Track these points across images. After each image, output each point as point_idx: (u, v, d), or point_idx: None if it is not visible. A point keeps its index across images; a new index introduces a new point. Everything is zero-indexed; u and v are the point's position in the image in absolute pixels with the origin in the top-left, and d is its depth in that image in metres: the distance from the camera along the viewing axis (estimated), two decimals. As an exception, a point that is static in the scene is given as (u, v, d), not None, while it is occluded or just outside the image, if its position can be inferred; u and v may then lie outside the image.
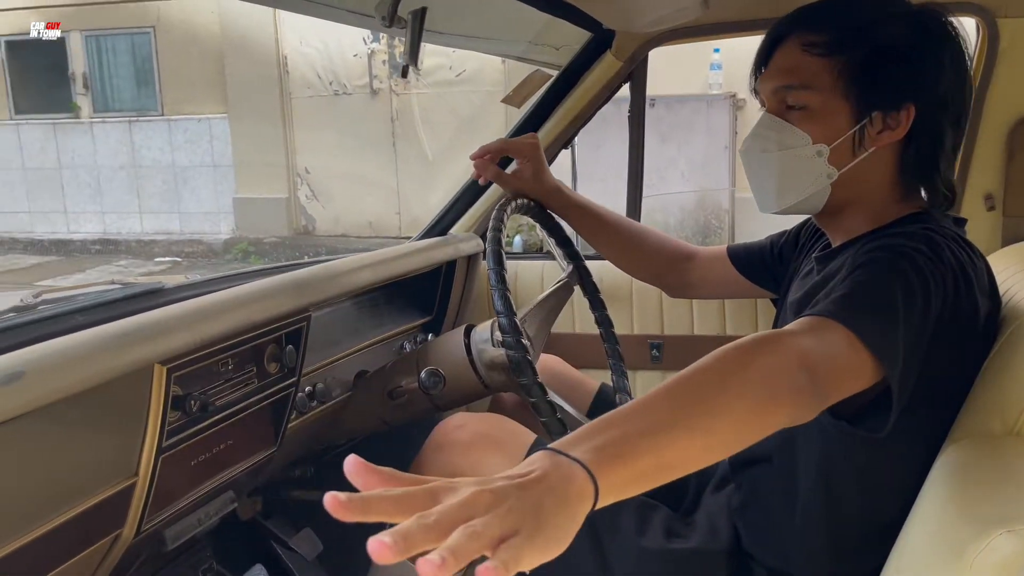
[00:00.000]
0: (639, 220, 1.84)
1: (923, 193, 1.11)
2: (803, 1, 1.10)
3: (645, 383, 1.97)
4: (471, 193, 1.90)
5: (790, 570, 1.15)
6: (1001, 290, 1.07)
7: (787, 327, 0.88)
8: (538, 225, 1.51)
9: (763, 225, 1.46)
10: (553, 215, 1.51)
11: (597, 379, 1.64)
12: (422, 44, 1.25)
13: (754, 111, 1.13)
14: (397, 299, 1.77)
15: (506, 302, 1.17)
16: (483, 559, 0.56)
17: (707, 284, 1.52)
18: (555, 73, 1.88)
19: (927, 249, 0.95)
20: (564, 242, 1.53)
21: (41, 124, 9.14)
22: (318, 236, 8.51)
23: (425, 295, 1.80)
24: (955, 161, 1.11)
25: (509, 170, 1.49)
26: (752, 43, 1.18)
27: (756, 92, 1.14)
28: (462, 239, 1.82)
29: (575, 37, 1.81)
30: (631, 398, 1.43)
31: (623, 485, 0.67)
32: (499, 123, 6.78)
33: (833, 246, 1.15)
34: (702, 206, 6.41)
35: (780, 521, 1.15)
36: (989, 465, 0.89)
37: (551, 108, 1.88)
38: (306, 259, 1.68)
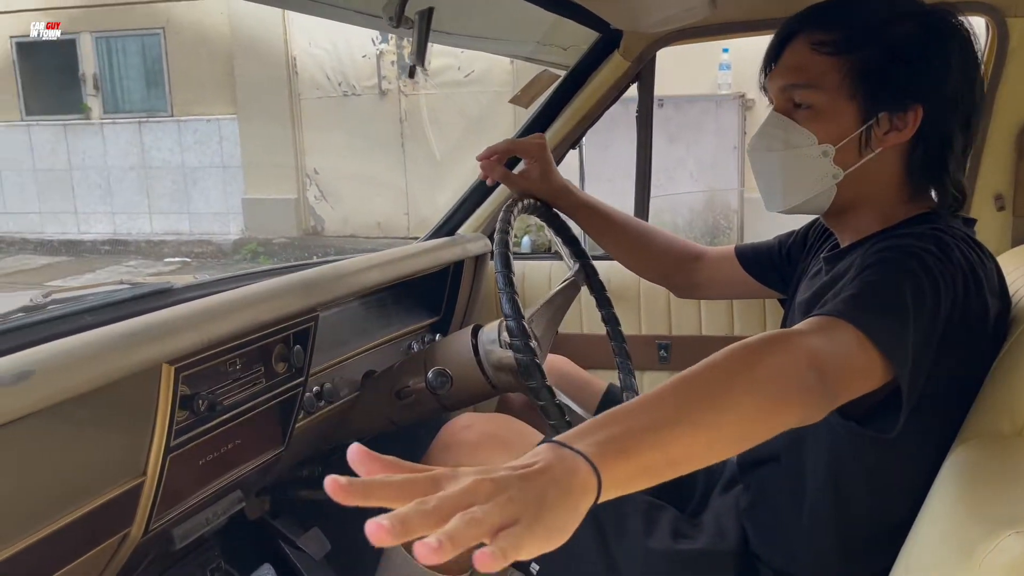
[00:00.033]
0: (647, 220, 1.84)
1: (933, 193, 1.10)
2: (812, 0, 1.10)
3: (653, 383, 1.96)
4: (479, 193, 1.90)
5: (798, 571, 1.14)
6: (1011, 290, 1.07)
7: (796, 326, 0.87)
8: (545, 225, 1.51)
9: (772, 226, 1.45)
10: (560, 215, 1.51)
11: (605, 379, 1.64)
12: (429, 45, 1.25)
13: (763, 111, 1.13)
14: (405, 299, 1.77)
15: (514, 305, 1.16)
16: (481, 547, 0.56)
17: (715, 284, 1.51)
18: (563, 73, 1.88)
19: (936, 249, 0.94)
20: (571, 241, 1.52)
21: (52, 125, 9.19)
22: (327, 237, 8.52)
23: (433, 295, 1.80)
24: (965, 163, 1.10)
25: (516, 171, 1.49)
26: (761, 43, 1.18)
27: (765, 90, 1.14)
28: (470, 239, 1.83)
29: (583, 37, 1.81)
30: (638, 397, 1.43)
31: (627, 479, 0.67)
32: (507, 123, 6.78)
33: (842, 246, 1.15)
34: (711, 206, 6.40)
35: (788, 522, 1.14)
36: (998, 465, 0.88)
37: (559, 108, 1.87)
38: (314, 259, 1.68)
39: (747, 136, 6.21)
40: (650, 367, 1.98)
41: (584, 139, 1.96)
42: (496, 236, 1.25)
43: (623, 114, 2.08)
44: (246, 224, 8.80)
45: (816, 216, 1.28)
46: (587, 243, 1.75)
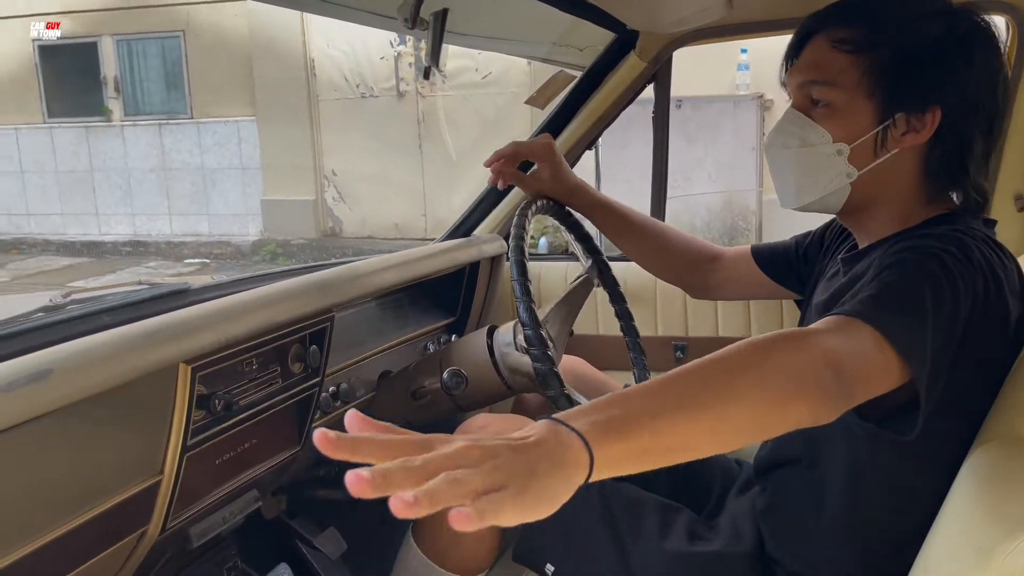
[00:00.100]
0: (663, 221, 1.83)
1: (954, 195, 1.09)
2: (828, 0, 1.09)
3: (669, 385, 1.95)
4: (495, 194, 1.91)
5: (815, 574, 1.14)
6: (1031, 291, 1.06)
7: (813, 325, 0.87)
8: (558, 222, 1.50)
9: (791, 227, 1.45)
10: (574, 214, 1.50)
11: (620, 381, 1.64)
12: (445, 46, 1.25)
13: (782, 112, 1.12)
14: (421, 300, 1.78)
15: (531, 314, 1.16)
16: None
17: (731, 284, 1.50)
18: (579, 74, 1.88)
19: (956, 250, 0.94)
20: (584, 238, 1.52)
21: (73, 127, 9.28)
22: (345, 238, 8.56)
23: (449, 296, 1.81)
24: (987, 166, 1.08)
25: (528, 173, 1.49)
26: (780, 43, 1.17)
27: (785, 86, 1.13)
28: (485, 240, 1.83)
29: (599, 38, 1.81)
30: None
31: (620, 460, 0.68)
32: (525, 124, 6.78)
33: (860, 247, 1.14)
34: (729, 207, 6.37)
35: (805, 524, 1.14)
36: (1018, 467, 0.87)
37: (575, 109, 1.87)
38: (331, 260, 1.69)
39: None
40: (666, 368, 1.94)
41: (600, 140, 1.96)
42: (511, 242, 1.24)
43: (640, 115, 2.07)
44: (265, 225, 8.85)
45: (833, 217, 1.27)
46: (603, 244, 1.75)
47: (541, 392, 1.17)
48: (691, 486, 1.39)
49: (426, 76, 1.34)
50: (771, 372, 0.77)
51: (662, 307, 1.96)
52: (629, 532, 1.21)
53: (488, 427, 1.34)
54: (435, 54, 1.26)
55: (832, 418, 0.81)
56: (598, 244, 1.55)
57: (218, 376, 1.12)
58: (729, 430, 0.75)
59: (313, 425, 1.32)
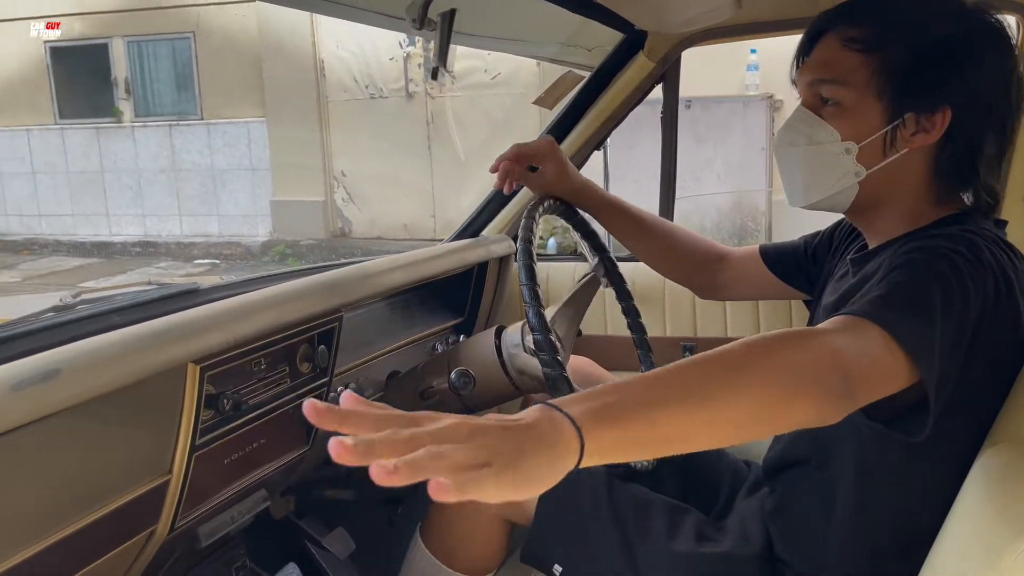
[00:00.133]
0: (672, 221, 1.83)
1: (965, 196, 1.08)
2: (836, 0, 1.09)
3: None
4: (503, 195, 1.90)
5: (824, 575, 1.13)
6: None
7: (821, 325, 0.87)
8: (564, 221, 1.49)
9: (801, 228, 1.44)
10: (581, 213, 1.49)
11: (628, 381, 1.63)
12: (453, 46, 1.25)
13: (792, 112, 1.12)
14: (429, 300, 1.78)
15: (541, 319, 1.16)
16: None
17: (739, 285, 1.49)
18: (587, 74, 1.88)
19: (966, 251, 0.93)
20: (590, 235, 1.51)
21: (84, 128, 9.32)
22: (354, 239, 8.57)
23: (457, 296, 1.81)
24: (999, 168, 1.07)
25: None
26: (790, 44, 1.17)
27: (795, 84, 1.13)
28: (494, 240, 1.83)
29: (607, 38, 1.81)
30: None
31: (612, 447, 0.68)
32: (534, 124, 6.78)
33: (870, 247, 1.13)
34: (738, 208, 6.35)
35: (814, 526, 1.13)
36: (1028, 470, 0.87)
37: (583, 109, 1.87)
38: (340, 261, 1.69)
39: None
40: (675, 369, 1.96)
41: (608, 140, 1.96)
42: (520, 246, 1.23)
43: (649, 115, 2.07)
44: (274, 226, 8.87)
45: (842, 216, 1.27)
46: (611, 244, 1.74)
47: (549, 392, 1.17)
48: (699, 487, 1.38)
49: (434, 76, 1.34)
50: (774, 369, 0.77)
51: (670, 307, 1.96)
52: (637, 533, 1.20)
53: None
54: (443, 54, 1.26)
55: (838, 418, 0.81)
56: (606, 244, 1.54)
57: (227, 376, 1.12)
58: (728, 424, 0.75)
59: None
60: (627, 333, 1.55)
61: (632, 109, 1.89)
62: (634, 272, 1.73)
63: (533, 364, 1.34)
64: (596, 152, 1.93)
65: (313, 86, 8.39)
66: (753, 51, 6.25)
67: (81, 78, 9.21)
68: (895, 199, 1.07)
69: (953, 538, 0.87)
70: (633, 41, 1.80)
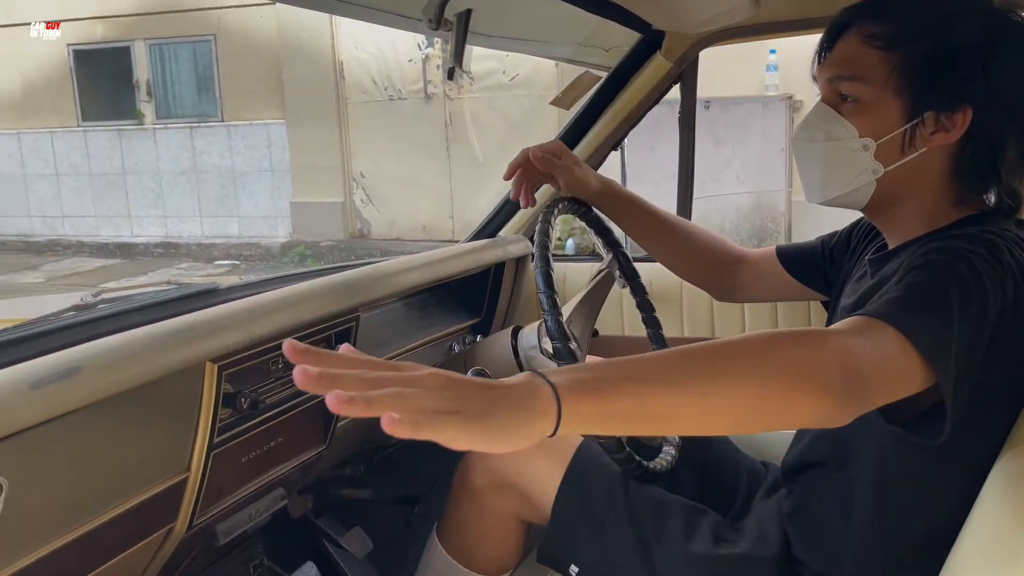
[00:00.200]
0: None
1: (987, 196, 1.07)
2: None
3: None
4: (520, 195, 1.90)
5: (841, 578, 1.13)
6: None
7: (834, 325, 0.86)
8: (578, 217, 1.48)
9: (820, 228, 1.43)
10: (594, 209, 1.48)
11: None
12: (469, 47, 1.26)
13: (811, 114, 1.12)
14: (446, 300, 1.78)
15: (560, 328, 1.15)
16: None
17: (757, 286, 1.48)
18: (604, 75, 1.87)
19: (986, 252, 0.92)
20: (604, 231, 1.49)
21: (107, 131, 9.41)
22: (373, 240, 8.60)
23: (474, 296, 1.81)
24: (1021, 168, 1.05)
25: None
26: (809, 43, 1.16)
27: (816, 80, 1.13)
28: (511, 241, 1.83)
29: (624, 38, 1.81)
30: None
31: (591, 417, 0.69)
32: (552, 125, 6.78)
33: (890, 247, 1.12)
34: (758, 209, 6.32)
35: (832, 528, 1.13)
36: (1049, 472, 0.86)
37: (600, 110, 1.87)
38: (358, 261, 1.70)
39: (796, 138, 6.11)
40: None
41: (626, 141, 1.95)
42: (536, 251, 1.23)
43: (668, 116, 2.06)
44: (294, 227, 8.91)
45: (861, 216, 1.26)
46: (628, 244, 1.74)
47: None
48: (717, 488, 1.38)
49: (450, 76, 1.34)
50: (774, 363, 0.77)
51: (688, 309, 1.95)
52: (654, 533, 1.20)
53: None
54: (459, 55, 1.26)
55: (846, 420, 0.80)
56: (621, 241, 1.53)
57: (244, 375, 1.12)
58: (719, 411, 0.76)
59: (339, 424, 1.33)
60: (644, 333, 1.54)
61: (649, 110, 1.88)
62: (651, 273, 1.73)
63: (550, 366, 1.34)
64: (613, 152, 1.93)
65: (332, 88, 8.43)
66: (772, 51, 6.22)
67: (103, 81, 9.30)
68: (914, 198, 1.07)
69: (973, 541, 0.86)
70: (650, 41, 1.80)
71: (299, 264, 8.25)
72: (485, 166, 7.80)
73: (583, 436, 1.33)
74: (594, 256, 2.06)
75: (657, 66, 1.82)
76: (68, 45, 9.22)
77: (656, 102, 1.88)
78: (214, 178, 9.18)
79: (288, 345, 0.60)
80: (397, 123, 8.26)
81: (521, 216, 1.91)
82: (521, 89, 7.77)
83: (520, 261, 1.85)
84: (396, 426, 0.59)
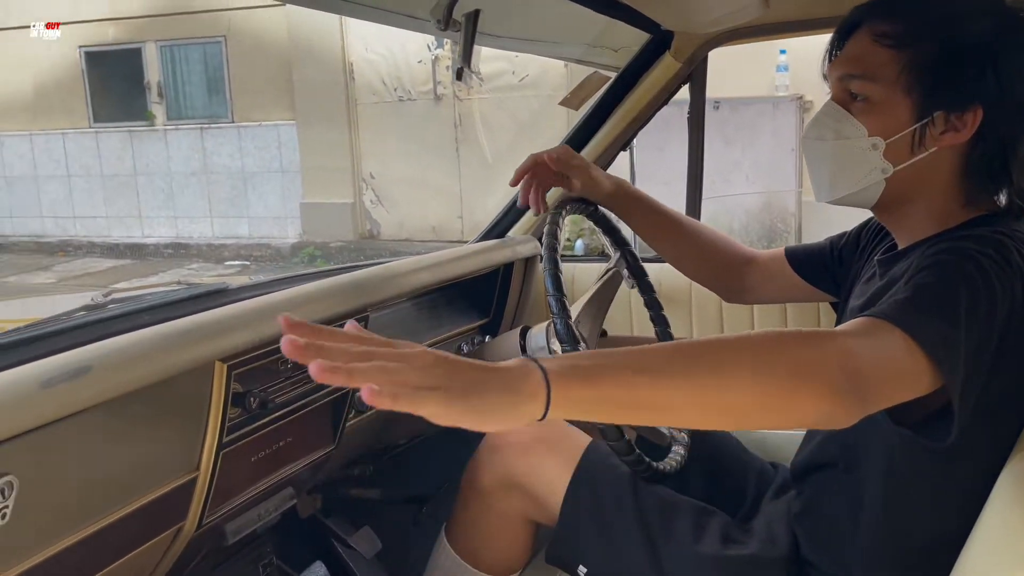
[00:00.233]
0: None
1: (997, 197, 1.07)
2: None
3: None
4: (528, 197, 1.90)
5: (850, 579, 1.12)
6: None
7: (840, 326, 0.86)
8: (586, 216, 1.48)
9: (831, 229, 1.42)
10: (601, 209, 1.47)
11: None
12: (477, 47, 1.26)
13: (821, 114, 1.12)
14: (455, 301, 1.78)
15: (569, 331, 1.15)
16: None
17: (765, 287, 1.48)
18: (613, 75, 1.87)
19: (994, 252, 0.92)
20: (611, 230, 1.49)
21: (118, 132, 9.45)
22: (383, 240, 8.61)
23: (483, 297, 1.81)
24: None
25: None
26: (820, 43, 1.16)
27: (826, 78, 1.12)
28: (519, 241, 1.83)
29: (633, 39, 1.80)
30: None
31: (581, 403, 0.71)
32: (561, 125, 6.77)
33: (900, 247, 1.12)
34: (768, 209, 6.30)
35: (841, 529, 1.12)
36: (1059, 474, 0.86)
37: (609, 110, 1.87)
38: (367, 262, 1.70)
39: (805, 139, 6.09)
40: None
41: (635, 141, 1.95)
42: (544, 253, 1.23)
43: (678, 116, 2.06)
44: (304, 228, 8.93)
45: (870, 216, 1.26)
46: (637, 244, 1.74)
47: None
48: (726, 489, 1.37)
49: (458, 77, 1.34)
50: (775, 362, 0.77)
51: (697, 310, 1.95)
52: (662, 534, 1.20)
53: (522, 429, 1.34)
54: (467, 55, 1.27)
55: (849, 420, 0.80)
56: (630, 240, 1.53)
57: (253, 374, 1.13)
58: (719, 406, 0.76)
59: (348, 424, 1.34)
60: (652, 333, 1.54)
61: (658, 110, 1.88)
62: (660, 274, 1.73)
63: None
64: (622, 153, 1.92)
65: (342, 89, 8.44)
66: (783, 52, 6.20)
67: (115, 82, 9.34)
68: (923, 198, 1.06)
69: (983, 543, 0.86)
70: (659, 41, 1.79)
71: (309, 265, 8.27)
72: (494, 167, 7.80)
73: (587, 434, 1.33)
74: (603, 257, 2.06)
75: (666, 66, 1.81)
76: (80, 47, 9.27)
77: (665, 102, 1.88)
78: (224, 179, 9.21)
79: (283, 318, 0.62)
80: (407, 124, 8.27)
81: (530, 216, 1.91)
82: (530, 90, 7.77)
83: (529, 261, 1.85)
84: (375, 397, 0.60)
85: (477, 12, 1.21)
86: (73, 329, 1.03)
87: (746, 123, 6.07)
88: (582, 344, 1.20)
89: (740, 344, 0.79)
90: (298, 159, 8.84)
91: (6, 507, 0.82)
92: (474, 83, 7.69)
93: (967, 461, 0.99)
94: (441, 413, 0.64)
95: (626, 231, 1.52)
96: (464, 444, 1.43)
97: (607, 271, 1.47)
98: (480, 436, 1.39)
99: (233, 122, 9.05)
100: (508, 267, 1.80)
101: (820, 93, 1.13)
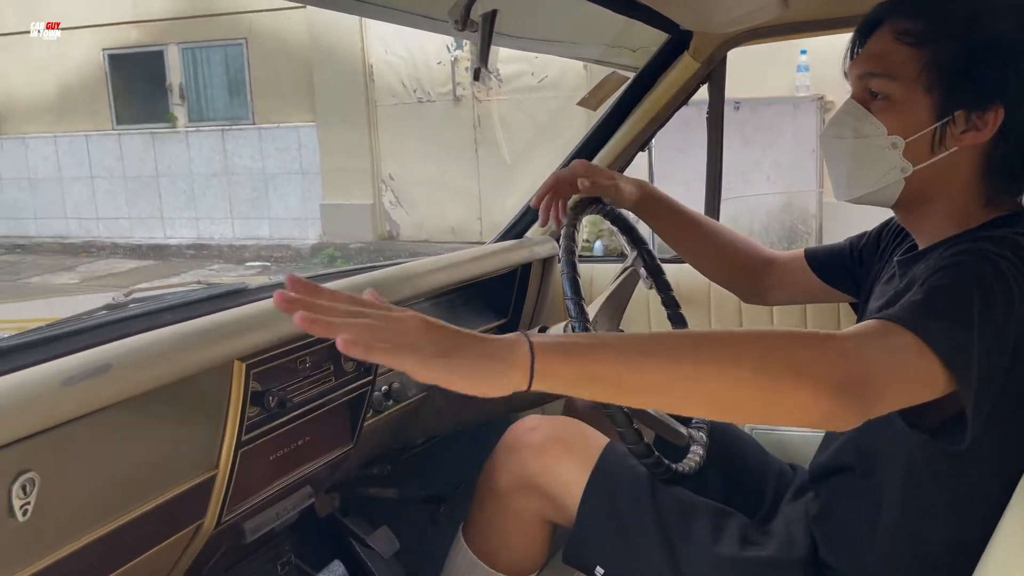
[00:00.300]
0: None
1: (1020, 198, 1.06)
2: (884, -2, 1.07)
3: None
4: (547, 197, 1.90)
5: (869, 582, 1.11)
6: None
7: (850, 328, 0.85)
8: (603, 216, 1.47)
9: (851, 230, 1.41)
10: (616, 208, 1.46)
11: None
12: (495, 48, 1.26)
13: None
14: (474, 301, 1.78)
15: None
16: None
17: (785, 288, 1.47)
18: (632, 75, 1.87)
19: (1012, 255, 0.91)
20: (628, 229, 1.48)
21: (140, 134, 9.53)
22: (402, 242, 8.63)
23: (501, 297, 1.81)
24: None
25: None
26: (840, 43, 1.15)
27: (847, 76, 1.11)
28: (537, 242, 1.83)
29: (652, 39, 1.80)
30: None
31: (565, 377, 0.73)
32: (580, 126, 6.76)
33: (920, 248, 1.11)
34: (788, 210, 6.27)
35: (859, 532, 1.12)
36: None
37: (628, 110, 1.87)
38: (385, 262, 1.71)
39: (826, 139, 6.06)
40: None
41: (653, 141, 1.95)
42: (562, 256, 1.22)
43: (698, 116, 2.05)
44: (324, 229, 8.97)
45: (891, 217, 1.25)
46: (656, 245, 1.73)
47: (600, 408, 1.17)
48: (744, 490, 1.37)
49: (476, 77, 1.34)
50: (772, 358, 0.78)
51: (716, 311, 1.94)
52: (680, 536, 1.19)
53: (539, 428, 1.34)
54: (484, 55, 1.27)
55: (851, 421, 0.80)
56: (647, 240, 1.52)
57: (272, 373, 1.13)
58: (707, 394, 0.77)
59: (365, 423, 1.34)
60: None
61: (677, 110, 1.87)
62: (679, 275, 1.72)
63: None
64: (640, 153, 1.92)
65: (362, 91, 8.48)
66: (803, 52, 6.16)
67: (137, 84, 9.42)
68: (943, 198, 1.05)
69: (1004, 547, 0.85)
70: (678, 41, 1.79)
71: (328, 265, 8.31)
72: (513, 168, 7.80)
73: (604, 435, 1.33)
74: (621, 257, 2.05)
75: (685, 66, 1.81)
76: (103, 50, 9.36)
77: (684, 103, 1.87)
78: (245, 180, 9.27)
79: (287, 275, 0.66)
80: (426, 125, 8.29)
81: (548, 217, 1.90)
82: (549, 91, 7.77)
83: (547, 262, 1.85)
84: (350, 346, 0.63)
85: (495, 12, 1.21)
86: (94, 328, 1.04)
87: (766, 123, 6.04)
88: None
89: (742, 338, 0.79)
90: (318, 161, 8.88)
91: (28, 503, 0.83)
92: (493, 84, 7.70)
93: (985, 466, 0.98)
94: (419, 370, 0.67)
95: (643, 230, 1.52)
96: (481, 444, 1.43)
97: (624, 270, 1.46)
98: (497, 436, 1.39)
99: (254, 124, 9.11)
100: (526, 267, 1.80)
101: (841, 93, 1.12)
